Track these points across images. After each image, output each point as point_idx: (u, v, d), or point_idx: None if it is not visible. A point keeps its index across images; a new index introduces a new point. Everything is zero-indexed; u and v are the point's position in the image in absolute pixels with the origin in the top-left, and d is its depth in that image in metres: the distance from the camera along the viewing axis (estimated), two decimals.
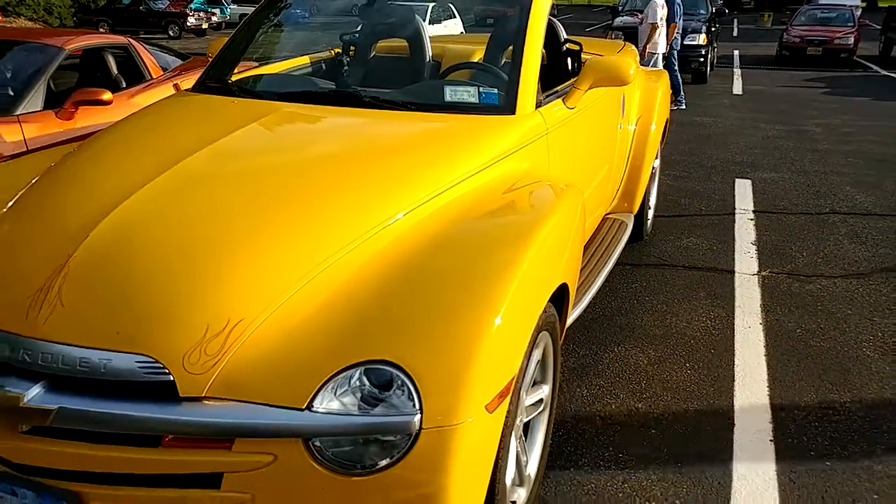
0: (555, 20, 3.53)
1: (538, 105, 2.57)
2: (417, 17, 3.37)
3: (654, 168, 4.57)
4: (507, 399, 1.69)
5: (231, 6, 27.19)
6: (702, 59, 12.22)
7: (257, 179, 1.91)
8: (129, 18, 22.67)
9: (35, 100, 4.04)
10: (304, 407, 1.49)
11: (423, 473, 1.51)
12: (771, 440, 2.57)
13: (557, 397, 2.40)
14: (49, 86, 4.68)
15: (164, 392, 1.52)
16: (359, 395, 1.53)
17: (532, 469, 2.21)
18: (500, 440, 1.72)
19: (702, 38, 12.21)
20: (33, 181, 2.07)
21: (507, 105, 2.47)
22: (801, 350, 3.21)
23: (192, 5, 23.75)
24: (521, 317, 1.74)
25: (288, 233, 1.74)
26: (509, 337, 1.67)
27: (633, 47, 4.80)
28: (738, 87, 12.24)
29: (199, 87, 2.73)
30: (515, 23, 2.71)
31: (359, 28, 3.59)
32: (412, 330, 1.58)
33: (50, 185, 2.01)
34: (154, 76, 4.88)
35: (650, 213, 4.64)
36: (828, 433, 2.62)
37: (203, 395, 1.52)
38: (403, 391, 1.51)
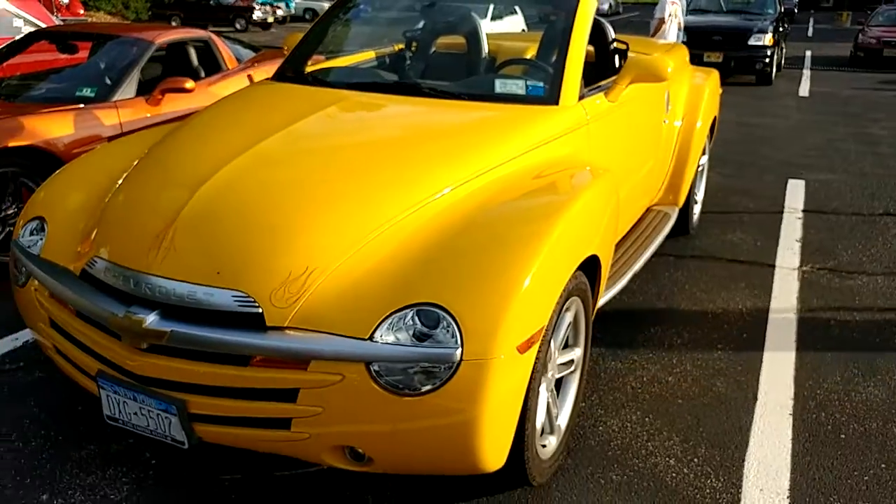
0: (604, 21, 3.78)
1: (581, 98, 2.83)
2: (475, 16, 3.65)
3: (701, 164, 4.76)
4: (536, 345, 1.97)
5: (296, 0, 28.00)
6: (767, 61, 12.13)
7: (330, 155, 2.25)
8: (199, 12, 23.64)
9: (129, 88, 4.49)
10: (366, 337, 1.80)
11: (461, 399, 1.80)
12: (790, 413, 2.77)
13: (588, 361, 2.65)
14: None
15: (254, 322, 1.86)
16: (412, 331, 1.83)
17: (563, 421, 2.48)
18: (530, 382, 2.00)
19: (767, 39, 12.14)
20: (146, 153, 2.46)
21: (551, 97, 2.74)
22: (832, 338, 3.37)
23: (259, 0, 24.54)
24: (551, 277, 2.01)
25: (355, 199, 2.06)
26: (539, 292, 1.95)
27: (684, 47, 4.98)
28: (804, 89, 12.10)
29: (279, 77, 3.09)
30: (562, 23, 2.97)
31: (420, 26, 3.91)
32: (458, 280, 1.87)
33: (161, 155, 2.38)
34: (230, 67, 5.31)
35: (697, 208, 4.82)
36: (846, 410, 2.80)
37: (286, 325, 1.85)
38: (448, 330, 1.81)
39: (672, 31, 9.74)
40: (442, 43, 3.87)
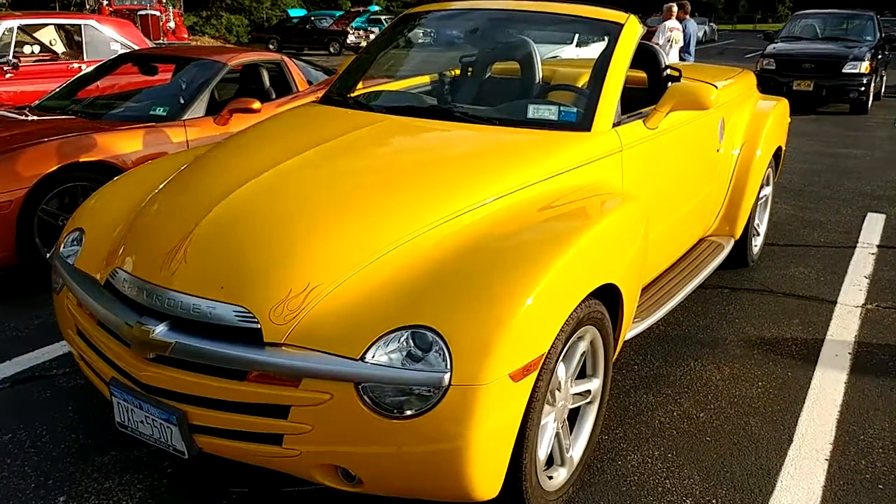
0: (657, 48, 3.72)
1: (617, 124, 2.79)
2: (531, 42, 3.64)
3: (764, 195, 4.58)
4: (534, 373, 1.94)
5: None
6: (862, 89, 11.55)
7: (347, 176, 2.30)
8: (296, 36, 24.57)
9: (199, 107, 4.73)
10: (357, 358, 1.83)
11: (449, 424, 1.80)
12: (826, 459, 2.61)
13: (611, 392, 2.59)
14: (213, 95, 5.43)
15: (253, 337, 1.91)
16: (405, 352, 1.85)
17: (576, 453, 2.43)
18: (528, 412, 1.97)
19: (864, 67, 11.57)
20: (182, 168, 2.59)
21: (583, 123, 2.72)
22: (887, 382, 3.16)
23: (354, 24, 25.31)
24: (554, 304, 1.99)
25: (362, 220, 2.10)
26: (538, 319, 1.93)
27: (751, 74, 4.83)
28: None
29: (324, 100, 3.19)
30: (603, 49, 2.94)
31: (476, 52, 3.94)
32: (454, 303, 1.88)
33: (192, 171, 2.50)
34: (301, 89, 5.50)
35: (758, 240, 4.63)
36: (890, 460, 2.62)
37: (282, 342, 1.90)
38: (439, 353, 1.82)
39: (672, 56, 9.70)
40: (498, 69, 3.89)
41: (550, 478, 2.28)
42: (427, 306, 1.88)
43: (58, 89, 5.33)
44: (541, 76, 3.62)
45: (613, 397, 3.00)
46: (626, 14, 3.09)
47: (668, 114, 2.93)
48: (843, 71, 11.55)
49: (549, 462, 2.33)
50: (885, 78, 14.06)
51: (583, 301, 2.16)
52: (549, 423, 2.23)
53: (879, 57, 12.67)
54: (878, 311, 3.92)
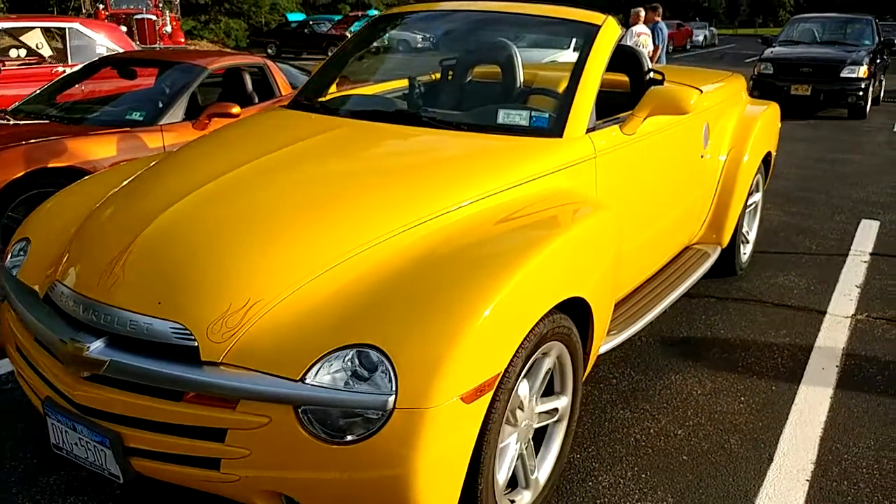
0: (640, 51, 3.62)
1: (592, 130, 2.68)
2: (511, 45, 3.53)
3: (753, 202, 4.47)
4: (489, 394, 1.83)
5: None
6: (860, 94, 11.43)
7: (296, 185, 2.19)
8: (294, 40, 24.46)
9: (177, 112, 4.63)
10: (297, 378, 1.72)
11: (394, 449, 1.69)
12: (807, 479, 2.50)
13: (579, 410, 2.48)
14: (196, 99, 5.34)
15: (191, 356, 1.80)
16: (350, 373, 1.73)
17: (543, 475, 2.32)
18: (483, 434, 1.86)
19: (862, 71, 11.45)
20: (133, 176, 2.48)
21: (555, 128, 2.61)
22: (874, 398, 3.05)
23: (353, 28, 25.23)
24: (511, 320, 1.87)
25: (310, 232, 1.99)
26: (494, 336, 1.82)
27: (740, 78, 4.72)
28: None
29: (291, 104, 3.09)
30: (580, 53, 2.83)
31: (456, 55, 3.83)
32: (401, 320, 1.77)
33: (141, 180, 2.40)
34: (284, 93, 5.40)
35: (747, 248, 4.51)
36: (873, 481, 2.50)
37: (220, 360, 1.79)
38: (385, 373, 1.70)
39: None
40: (479, 72, 3.78)
41: (512, 501, 2.17)
42: (373, 324, 1.77)
43: (36, 93, 5.24)
44: (522, 80, 3.51)
45: (588, 413, 2.88)
46: (603, 15, 2.98)
47: (645, 119, 2.81)
48: (842, 75, 11.43)
49: (513, 484, 2.23)
50: (884, 82, 13.92)
51: (546, 316, 2.05)
52: (511, 444, 2.12)
53: (878, 61, 12.55)
54: (868, 322, 3.80)
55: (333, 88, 3.38)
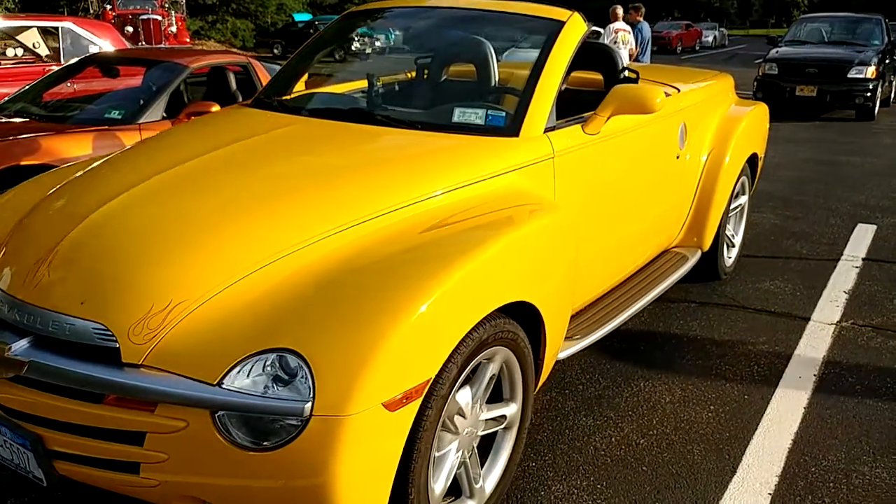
0: (614, 49, 3.54)
1: (550, 129, 2.61)
2: (486, 44, 3.47)
3: (739, 204, 4.38)
4: (418, 401, 1.76)
5: (395, 33, 28.69)
6: (868, 94, 11.26)
7: (229, 185, 2.13)
8: (301, 40, 24.38)
9: (156, 111, 4.60)
10: (214, 383, 1.66)
11: (312, 458, 1.63)
12: (769, 493, 2.41)
13: (529, 418, 2.41)
14: (182, 98, 5.31)
15: (112, 357, 1.75)
16: (271, 378, 1.68)
17: (489, 484, 2.25)
18: (414, 442, 1.80)
19: (870, 72, 11.28)
20: (77, 173, 2.44)
21: (510, 127, 2.54)
22: (850, 408, 2.95)
23: (360, 30, 25.20)
24: (443, 324, 1.81)
25: (238, 232, 1.93)
26: (423, 341, 1.75)
27: (729, 77, 4.63)
28: None
29: (252, 102, 3.04)
30: (540, 50, 2.77)
31: (432, 54, 3.77)
32: (323, 325, 1.71)
33: (80, 178, 2.35)
34: None
35: (733, 252, 4.42)
36: (840, 495, 2.41)
37: (141, 363, 1.73)
38: (305, 379, 1.64)
39: (625, 58, 9.85)
40: (455, 71, 3.72)
41: None
42: (294, 328, 1.71)
43: (19, 91, 5.23)
44: (497, 79, 3.45)
45: (549, 420, 2.81)
46: (569, 11, 2.91)
47: (609, 118, 2.74)
48: (849, 76, 11.27)
49: (457, 493, 2.16)
50: (893, 83, 13.71)
51: (487, 320, 1.99)
52: (451, 452, 2.06)
53: (887, 62, 12.36)
54: (853, 329, 3.70)
55: (302, 86, 3.33)
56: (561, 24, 2.83)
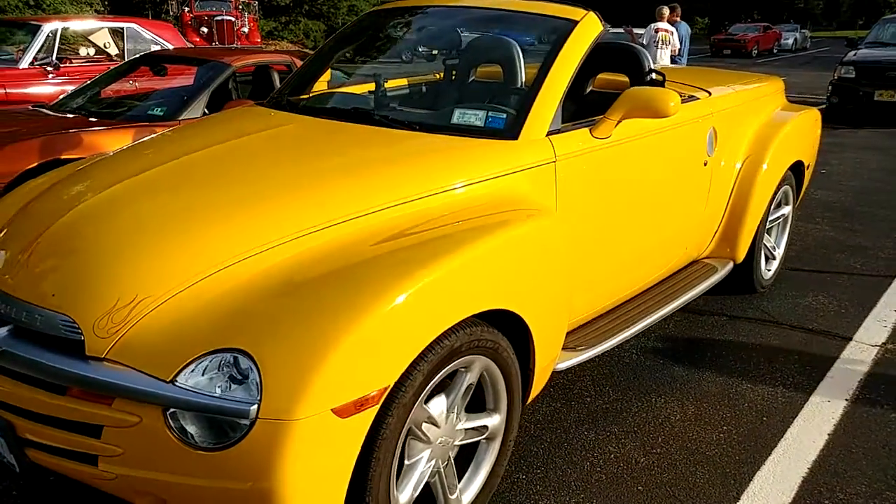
0: (641, 49, 3.41)
1: (555, 132, 2.52)
2: (511, 43, 3.39)
3: (781, 215, 4.16)
4: (375, 408, 1.72)
5: (464, 33, 28.68)
6: None
7: (203, 185, 2.13)
8: None
9: (196, 108, 4.71)
10: (168, 379, 1.66)
11: (257, 461, 1.60)
12: None
13: (516, 431, 2.33)
14: (230, 96, 5.44)
15: (78, 349, 1.78)
16: (226, 377, 1.67)
17: (468, 496, 2.19)
18: (373, 450, 1.76)
19: None
20: (77, 169, 2.50)
21: (510, 130, 2.46)
22: (881, 437, 2.74)
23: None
24: (403, 332, 1.76)
25: (208, 231, 1.92)
26: (378, 349, 1.71)
27: (779, 81, 4.41)
28: None
29: (267, 101, 3.06)
30: (549, 50, 2.68)
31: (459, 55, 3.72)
32: (276, 327, 1.68)
33: (74, 175, 2.41)
34: None
35: (773, 265, 4.20)
36: None
37: (103, 356, 1.75)
38: (255, 381, 1.63)
39: (664, 59, 9.56)
40: (483, 72, 3.67)
41: None
42: (248, 329, 1.69)
43: (75, 89, 5.45)
44: (524, 79, 3.37)
45: (549, 431, 2.72)
46: (583, 11, 2.81)
47: (619, 122, 2.63)
48: None
49: (431, 503, 2.11)
50: None
51: (460, 328, 1.93)
52: (422, 461, 2.01)
53: None
54: None
55: (323, 86, 3.34)
56: (574, 23, 2.74)
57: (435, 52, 3.87)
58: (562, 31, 2.72)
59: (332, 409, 1.64)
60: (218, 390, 1.65)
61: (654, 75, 3.29)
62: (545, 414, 2.84)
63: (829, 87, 11.27)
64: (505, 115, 2.52)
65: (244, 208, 2.00)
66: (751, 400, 3.00)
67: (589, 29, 2.75)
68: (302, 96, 3.07)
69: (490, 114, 2.53)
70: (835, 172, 7.51)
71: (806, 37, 31.36)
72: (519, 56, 3.08)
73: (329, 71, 3.39)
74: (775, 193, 3.86)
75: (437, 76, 3.81)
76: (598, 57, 3.55)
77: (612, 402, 2.94)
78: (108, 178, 2.20)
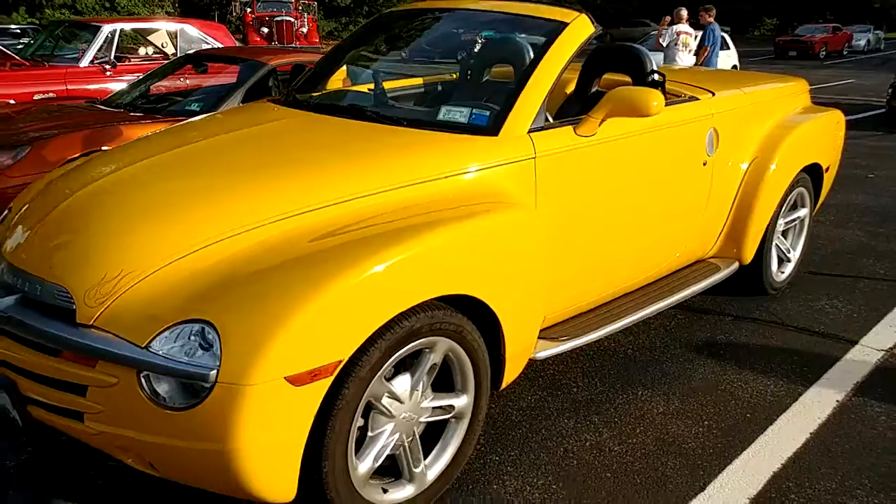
0: (643, 50, 3.46)
1: (537, 130, 2.62)
2: (525, 46, 3.50)
3: (797, 217, 4.13)
4: (328, 379, 1.87)
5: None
6: None
7: (194, 172, 2.34)
8: None
9: (232, 103, 4.95)
10: (143, 345, 1.85)
11: (215, 422, 1.77)
12: None
13: (485, 412, 2.44)
14: (270, 93, 5.68)
15: (70, 318, 1.99)
16: (196, 345, 1.84)
17: (433, 472, 2.31)
18: (330, 419, 1.91)
19: None
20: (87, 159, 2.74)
21: (492, 126, 2.57)
22: (865, 439, 2.74)
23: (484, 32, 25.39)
24: (358, 310, 1.90)
25: (193, 213, 2.11)
26: (333, 323, 1.85)
27: (802, 82, 4.38)
28: None
29: (278, 98, 3.25)
30: (538, 50, 2.78)
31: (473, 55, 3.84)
32: (240, 300, 1.85)
33: (89, 162, 2.64)
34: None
35: (787, 267, 4.17)
36: None
37: (91, 324, 1.95)
38: (218, 349, 1.80)
39: (686, 61, 9.67)
40: (497, 72, 3.78)
41: (386, 490, 2.19)
42: (216, 301, 1.87)
43: (127, 86, 5.79)
44: None
45: (529, 418, 2.82)
46: (575, 13, 2.90)
47: (602, 121, 2.71)
48: None
49: (396, 475, 2.24)
50: None
51: (420, 310, 2.06)
52: (384, 434, 2.14)
53: None
54: None
55: (339, 84, 3.52)
56: (564, 25, 2.83)
57: (437, 52, 4.01)
58: (552, 32, 2.81)
59: (285, 378, 1.79)
60: (185, 357, 1.83)
61: (655, 76, 3.34)
62: (529, 402, 2.94)
63: (889, 91, 10.91)
64: (488, 113, 2.63)
65: (222, 194, 2.18)
66: (738, 397, 3.03)
67: (579, 31, 2.83)
68: (313, 93, 3.25)
69: (474, 111, 2.64)
70: (882, 178, 7.30)
71: (880, 38, 30.15)
72: (529, 57, 3.18)
73: (345, 68, 3.57)
74: (787, 195, 3.85)
75: (454, 76, 3.95)
76: (604, 58, 3.64)
77: (598, 394, 3.02)
78: (114, 164, 2.42)
